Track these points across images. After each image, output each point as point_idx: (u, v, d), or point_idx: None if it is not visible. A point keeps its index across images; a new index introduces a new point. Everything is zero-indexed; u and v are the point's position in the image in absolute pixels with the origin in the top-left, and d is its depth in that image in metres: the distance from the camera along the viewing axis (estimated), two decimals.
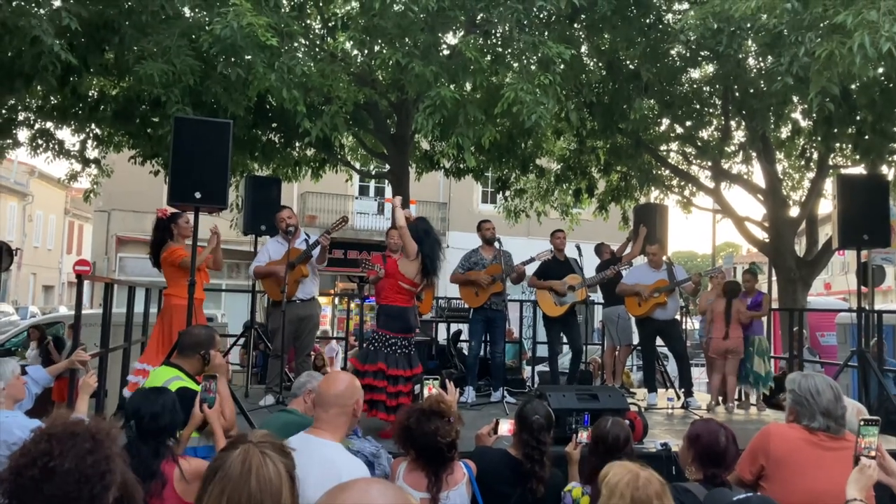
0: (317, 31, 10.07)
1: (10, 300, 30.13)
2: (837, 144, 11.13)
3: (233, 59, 7.16)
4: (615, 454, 3.37)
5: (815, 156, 12.20)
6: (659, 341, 8.35)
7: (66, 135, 26.54)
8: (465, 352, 8.95)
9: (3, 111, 10.43)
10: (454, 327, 9.70)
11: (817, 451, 3.14)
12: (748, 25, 7.16)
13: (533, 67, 7.86)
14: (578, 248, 8.13)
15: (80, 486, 1.64)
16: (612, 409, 5.30)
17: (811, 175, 12.73)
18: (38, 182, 34.33)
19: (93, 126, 11.09)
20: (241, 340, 9.46)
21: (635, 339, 8.94)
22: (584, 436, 3.81)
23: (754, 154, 12.06)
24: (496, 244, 7.69)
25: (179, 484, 3.05)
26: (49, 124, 11.12)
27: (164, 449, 3.17)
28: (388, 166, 11.57)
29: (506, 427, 3.69)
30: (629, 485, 2.27)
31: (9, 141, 11.21)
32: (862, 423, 2.75)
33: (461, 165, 11.79)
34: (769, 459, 3.21)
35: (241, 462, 1.76)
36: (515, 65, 8.50)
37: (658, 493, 2.27)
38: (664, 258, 8.22)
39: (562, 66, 8.14)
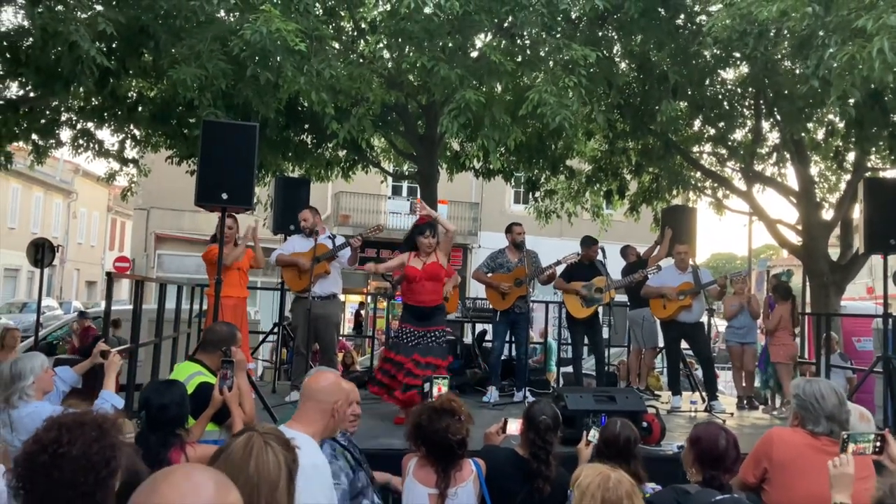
0: (349, 33, 10.22)
1: (55, 295, 30.97)
2: (874, 147, 10.94)
3: (263, 63, 7.32)
4: (622, 455, 3.43)
5: (852, 158, 12.01)
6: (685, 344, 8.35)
7: (106, 135, 27.17)
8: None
9: (47, 112, 10.79)
10: (479, 327, 9.77)
11: (820, 456, 3.15)
12: (775, 29, 7.11)
13: (558, 70, 7.89)
14: (603, 249, 8.15)
15: (87, 471, 1.76)
16: (630, 411, 5.34)
17: (847, 178, 12.51)
18: (82, 180, 35.23)
19: (131, 127, 11.41)
20: (271, 337, 9.64)
21: (661, 342, 8.92)
22: (595, 434, 3.87)
23: (787, 156, 11.91)
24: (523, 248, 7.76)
25: None
26: (90, 125, 11.46)
27: (173, 438, 3.33)
28: (417, 167, 11.70)
29: (514, 426, 3.76)
30: (599, 486, 2.32)
31: (52, 141, 11.58)
32: (847, 436, 2.84)
33: (490, 166, 11.86)
34: (772, 463, 3.24)
35: (243, 446, 1.88)
36: (542, 67, 8.54)
37: (628, 493, 2.32)
38: (690, 262, 8.18)
39: (591, 69, 8.17)
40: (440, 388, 3.98)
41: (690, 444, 3.16)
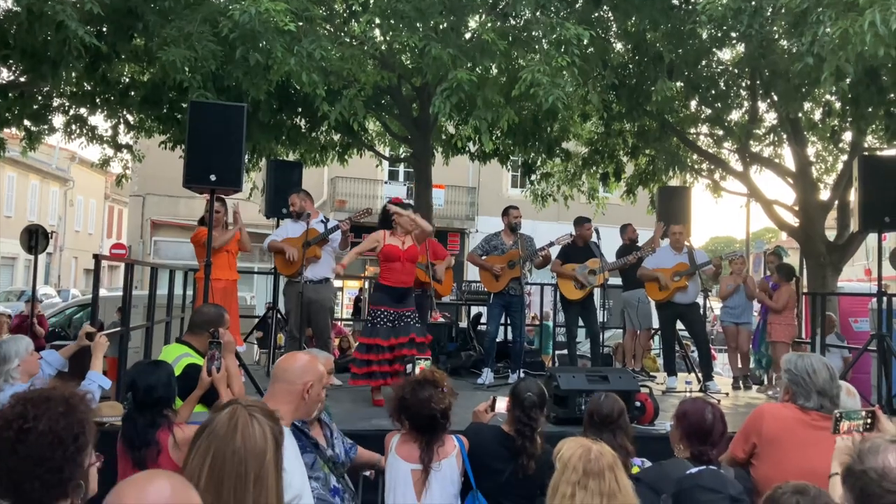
0: (341, 14, 10.13)
1: (52, 283, 30.95)
2: (870, 127, 10.88)
3: (252, 44, 7.25)
4: (608, 428, 3.42)
5: (849, 138, 11.94)
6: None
7: (99, 120, 27.05)
8: None
9: (39, 98, 10.71)
10: (474, 310, 9.75)
11: (809, 431, 3.14)
12: (771, 7, 7.03)
13: (552, 50, 7.81)
14: (597, 231, 8.11)
15: (54, 447, 1.72)
16: (622, 391, 5.31)
17: (844, 158, 12.46)
18: (78, 168, 35.09)
19: (124, 112, 11.33)
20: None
21: (655, 323, 8.90)
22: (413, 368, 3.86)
23: (784, 136, 11.85)
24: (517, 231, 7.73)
25: (174, 451, 3.18)
26: (82, 110, 11.39)
27: (161, 419, 3.31)
28: (411, 150, 11.64)
29: (503, 404, 3.73)
30: (581, 458, 2.31)
31: (44, 126, 11.51)
32: (839, 414, 2.81)
33: (485, 149, 11.80)
34: (761, 438, 3.22)
35: (227, 420, 1.85)
36: (536, 47, 8.46)
37: (610, 464, 2.31)
38: (686, 242, 8.14)
39: (588, 49, 8.08)
40: (422, 367, 3.96)
41: (677, 420, 3.13)
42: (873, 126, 10.55)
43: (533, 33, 8.58)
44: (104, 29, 8.35)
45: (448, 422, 3.28)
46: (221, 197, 6.48)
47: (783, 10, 7.35)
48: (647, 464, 3.55)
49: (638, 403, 5.58)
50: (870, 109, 9.29)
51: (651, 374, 9.06)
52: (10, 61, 8.77)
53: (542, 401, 3.47)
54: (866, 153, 11.48)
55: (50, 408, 1.76)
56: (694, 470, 2.62)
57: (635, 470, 3.30)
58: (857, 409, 2.95)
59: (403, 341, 5.99)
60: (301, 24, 7.53)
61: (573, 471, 2.29)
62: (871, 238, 8.88)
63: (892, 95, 9.08)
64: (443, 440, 3.27)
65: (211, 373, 3.76)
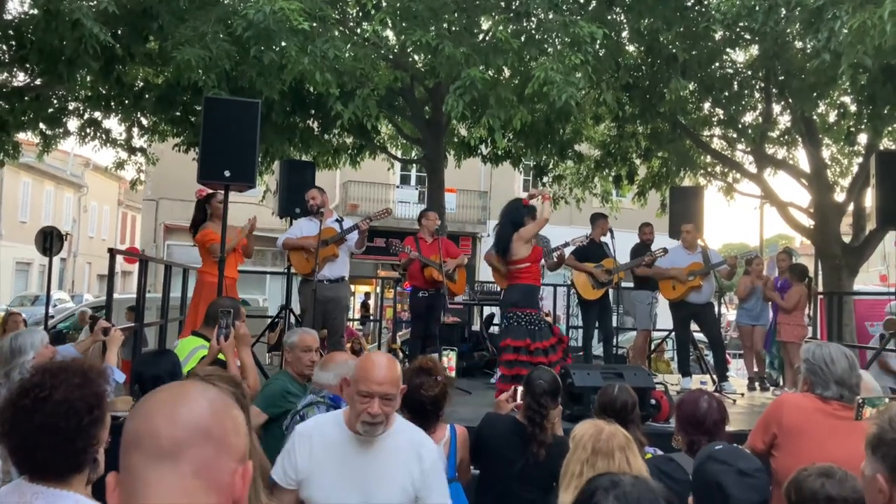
0: (353, 16, 10.16)
1: (66, 288, 31.14)
2: (887, 128, 10.79)
3: (266, 44, 7.27)
4: (619, 420, 3.39)
5: (864, 140, 11.85)
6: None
7: (113, 124, 27.28)
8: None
9: (54, 101, 10.78)
10: (486, 311, 9.73)
11: (830, 421, 3.10)
12: (785, 4, 6.99)
13: (565, 49, 7.79)
14: (611, 230, 8.09)
15: (69, 417, 1.72)
16: (637, 388, 5.26)
17: (860, 160, 12.36)
18: (92, 174, 35.34)
19: (138, 115, 11.39)
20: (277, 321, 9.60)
21: (655, 325, 8.93)
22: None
23: (799, 138, 11.77)
24: None
25: None
26: (97, 114, 11.45)
27: None
28: (423, 152, 11.64)
29: None
30: (591, 437, 2.35)
31: (59, 130, 11.58)
32: (862, 400, 2.79)
33: (498, 151, 11.77)
34: (781, 429, 3.18)
35: None
36: (550, 50, 8.45)
37: (622, 445, 2.33)
38: (700, 242, 8.09)
39: (599, 49, 8.06)
40: (450, 358, 3.97)
41: (675, 410, 3.13)
42: (890, 127, 10.47)
43: (542, 33, 8.58)
44: (119, 31, 8.41)
45: (439, 410, 3.28)
46: (214, 193, 6.41)
47: (798, 9, 7.30)
48: (660, 453, 3.53)
49: (653, 401, 5.54)
50: (886, 110, 9.21)
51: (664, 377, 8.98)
52: (27, 63, 8.83)
53: (553, 388, 3.45)
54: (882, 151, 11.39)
55: (67, 378, 1.76)
56: (718, 446, 2.61)
57: (647, 457, 3.28)
58: (880, 395, 2.92)
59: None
60: (314, 24, 7.55)
61: (583, 449, 2.31)
62: (888, 242, 8.81)
63: None
64: (434, 427, 3.28)
65: (220, 341, 3.76)
